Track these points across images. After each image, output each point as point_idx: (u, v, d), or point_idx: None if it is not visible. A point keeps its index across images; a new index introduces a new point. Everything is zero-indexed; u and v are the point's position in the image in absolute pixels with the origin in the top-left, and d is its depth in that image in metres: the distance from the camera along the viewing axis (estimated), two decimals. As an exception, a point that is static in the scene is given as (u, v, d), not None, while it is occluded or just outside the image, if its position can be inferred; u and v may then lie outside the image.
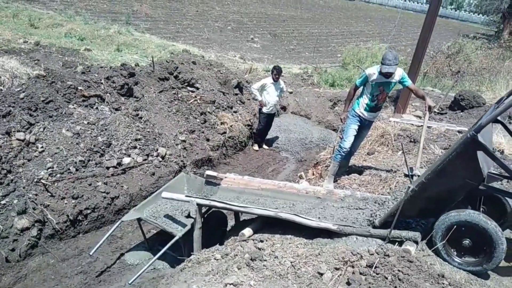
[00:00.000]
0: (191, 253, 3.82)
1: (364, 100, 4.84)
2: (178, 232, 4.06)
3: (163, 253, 4.02)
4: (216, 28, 16.98)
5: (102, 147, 5.47)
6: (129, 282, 3.94)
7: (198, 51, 11.43)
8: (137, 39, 10.84)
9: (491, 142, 3.47)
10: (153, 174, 5.77)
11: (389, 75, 4.51)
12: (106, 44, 9.52)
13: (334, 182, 5.22)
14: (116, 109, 6.14)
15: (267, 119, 7.73)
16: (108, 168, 5.36)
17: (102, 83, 6.29)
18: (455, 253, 3.03)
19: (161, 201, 4.51)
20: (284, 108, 9.83)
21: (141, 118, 6.34)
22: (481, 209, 3.38)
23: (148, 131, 6.24)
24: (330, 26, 23.23)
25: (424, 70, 11.86)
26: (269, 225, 3.80)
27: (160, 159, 6.01)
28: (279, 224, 3.68)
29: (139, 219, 4.45)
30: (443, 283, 2.52)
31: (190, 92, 7.67)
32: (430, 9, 7.48)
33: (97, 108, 5.93)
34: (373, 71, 4.65)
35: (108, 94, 6.22)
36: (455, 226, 2.91)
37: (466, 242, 2.95)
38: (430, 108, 4.44)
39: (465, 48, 14.00)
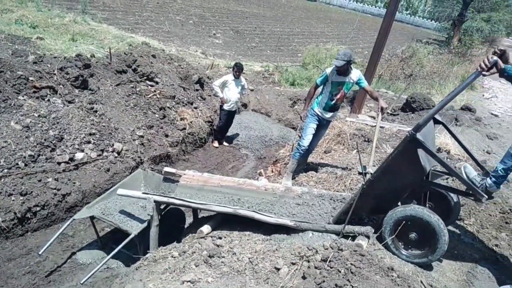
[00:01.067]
0: (147, 251, 3.76)
1: (324, 99, 4.98)
2: (134, 230, 3.97)
3: (118, 252, 3.90)
4: (177, 22, 16.65)
5: (53, 141, 5.21)
6: (81, 282, 3.80)
7: (158, 44, 11.17)
8: (94, 29, 10.40)
9: (433, 141, 3.70)
10: (108, 170, 5.58)
11: (337, 69, 4.68)
12: (60, 33, 9.05)
13: (292, 179, 5.33)
14: (70, 102, 5.87)
15: (228, 116, 7.72)
16: (59, 163, 5.12)
17: (55, 74, 5.98)
18: (402, 246, 3.22)
19: (116, 198, 4.38)
20: (245, 106, 9.86)
21: (96, 111, 6.10)
22: (428, 204, 3.62)
23: (104, 126, 6.02)
24: (292, 25, 23.54)
25: (379, 73, 12.35)
26: (228, 222, 3.82)
27: (116, 155, 5.82)
28: (238, 221, 3.70)
29: (92, 217, 4.30)
30: (393, 276, 2.67)
31: (149, 86, 7.48)
32: (387, 14, 7.80)
33: (49, 100, 5.63)
34: (332, 71, 4.81)
35: (61, 86, 5.93)
36: (402, 221, 3.09)
37: (413, 235, 3.14)
38: (382, 109, 4.66)
39: (418, 52, 14.76)
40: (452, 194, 3.62)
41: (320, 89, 5.09)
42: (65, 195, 4.93)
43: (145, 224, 4.00)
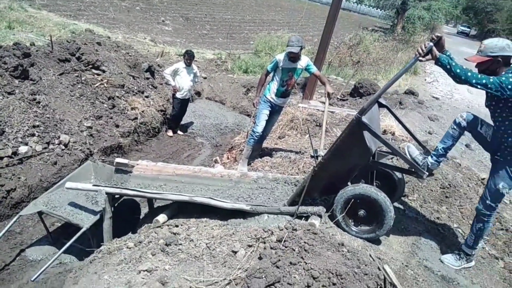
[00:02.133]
0: (101, 244, 3.66)
1: (275, 86, 5.05)
2: (85, 223, 3.84)
3: (70, 246, 3.77)
4: (123, 8, 15.96)
5: (-8, 135, 4.86)
6: (32, 279, 3.63)
7: (104, 31, 10.69)
8: (32, 16, 9.72)
9: (378, 124, 3.91)
10: (55, 163, 5.30)
11: (292, 55, 4.79)
12: (-5, 21, 8.37)
13: (248, 165, 5.39)
14: (9, 93, 5.48)
15: (181, 105, 7.60)
16: (1, 158, 4.79)
17: (-10, 64, 5.54)
18: (352, 223, 3.40)
19: (65, 192, 4.19)
20: (198, 94, 9.75)
21: (39, 103, 5.75)
22: (375, 183, 3.83)
23: (48, 117, 5.70)
24: (243, 13, 23.43)
25: (329, 60, 12.71)
26: (184, 210, 3.80)
27: (63, 147, 5.54)
28: (195, 209, 3.70)
29: (40, 213, 4.09)
30: (343, 251, 2.81)
31: (96, 75, 7.15)
32: (333, 2, 8.00)
33: (-16, 91, 5.23)
34: (282, 57, 4.91)
35: (-2, 76, 5.52)
36: (352, 199, 3.26)
37: (361, 212, 3.32)
38: (329, 94, 4.84)
39: (365, 40, 15.36)
40: (396, 173, 3.85)
41: (271, 76, 5.16)
42: (9, 191, 4.63)
43: (98, 217, 3.88)
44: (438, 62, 2.93)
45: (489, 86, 2.82)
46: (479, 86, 2.84)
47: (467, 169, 5.71)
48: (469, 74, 2.85)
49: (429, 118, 8.50)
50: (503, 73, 2.93)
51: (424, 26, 26.44)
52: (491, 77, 2.87)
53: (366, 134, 3.06)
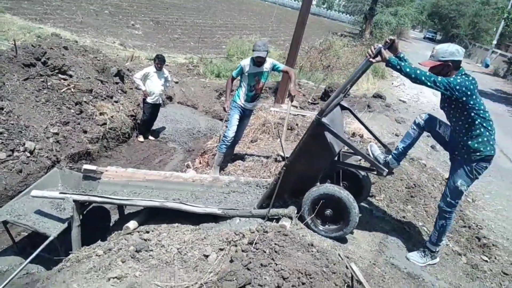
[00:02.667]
0: (70, 252, 3.57)
1: (243, 91, 5.11)
2: (52, 232, 3.73)
3: (37, 256, 3.66)
4: (91, 11, 15.62)
5: (-50, 144, 4.64)
6: None
7: (71, 35, 10.43)
8: (-6, 19, 9.37)
9: (341, 125, 4.04)
10: (21, 171, 5.12)
11: (259, 60, 4.85)
12: (-48, 23, 8.00)
13: (220, 171, 5.39)
14: (-32, 99, 5.26)
15: (152, 109, 7.51)
16: (-40, 167, 4.59)
17: None
18: (320, 223, 3.48)
19: (31, 200, 4.06)
20: (170, 98, 9.66)
21: (2, 109, 5.54)
22: (342, 184, 3.94)
23: (12, 124, 5.50)
24: (214, 17, 23.45)
25: (300, 64, 12.92)
26: (155, 216, 3.77)
27: (28, 154, 5.36)
28: (166, 214, 3.68)
29: (5, 222, 3.95)
30: (312, 251, 2.88)
31: (62, 80, 6.96)
32: (302, 8, 8.17)
33: None
34: (247, 62, 4.98)
35: (-45, 81, 5.28)
36: (319, 200, 3.34)
37: (328, 212, 3.41)
38: (290, 95, 4.90)
39: (335, 44, 15.70)
40: (362, 173, 3.98)
41: (239, 82, 5.20)
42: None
43: (65, 225, 3.78)
44: (388, 63, 3.08)
45: (438, 84, 3.00)
46: (428, 83, 3.00)
47: (432, 169, 5.95)
48: (418, 72, 3.02)
49: (396, 120, 8.79)
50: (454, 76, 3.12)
51: (391, 31, 27.35)
52: (440, 77, 3.05)
53: (328, 134, 3.16)
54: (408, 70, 3.03)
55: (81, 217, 3.84)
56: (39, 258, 3.82)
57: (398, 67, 3.05)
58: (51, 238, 3.67)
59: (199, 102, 9.97)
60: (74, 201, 3.66)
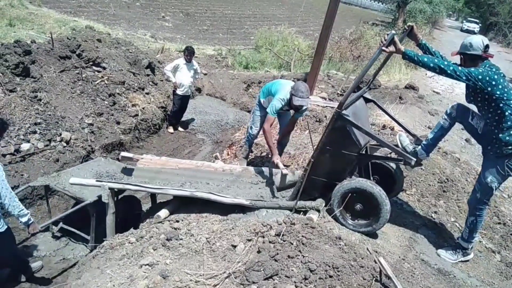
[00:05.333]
0: (104, 239, 3.73)
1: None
2: (88, 198, 4.01)
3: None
4: (123, 4, 15.97)
5: (-5, 133, 4.92)
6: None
7: (104, 28, 10.71)
8: (33, 13, 9.75)
9: (366, 118, 3.94)
10: (57, 160, 5.37)
11: (300, 107, 4.22)
12: (-4, 19, 8.41)
13: (248, 164, 5.40)
14: (11, 91, 5.54)
15: (182, 101, 7.64)
16: (4, 155, 4.85)
17: (-8, 62, 5.60)
18: (349, 217, 3.44)
19: (73, 174, 4.36)
20: (199, 90, 9.78)
21: (40, 100, 5.80)
22: (373, 178, 3.87)
23: (49, 114, 5.76)
24: (243, 7, 23.38)
25: (329, 55, 12.69)
26: (185, 205, 3.86)
27: (65, 144, 5.60)
28: (196, 203, 3.76)
29: (46, 186, 4.30)
30: (340, 244, 2.87)
31: (96, 72, 7.20)
32: (333, -4, 7.96)
33: (-14, 89, 5.30)
34: (281, 103, 4.23)
35: (0, 74, 5.57)
36: (349, 194, 3.30)
37: (358, 206, 3.37)
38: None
39: (366, 34, 15.27)
40: (394, 167, 3.89)
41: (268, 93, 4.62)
42: (12, 188, 4.69)
43: (96, 198, 3.98)
44: (405, 56, 2.97)
45: (458, 73, 2.90)
46: (448, 72, 2.90)
47: (466, 163, 5.74)
48: (436, 61, 2.92)
49: (429, 113, 8.51)
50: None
51: (426, 19, 26.32)
52: (460, 66, 2.94)
53: (350, 127, 3.11)
54: (425, 60, 2.93)
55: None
56: (75, 237, 4.13)
57: (415, 58, 2.95)
58: (86, 202, 3.94)
59: (227, 93, 10.04)
60: (110, 188, 3.80)
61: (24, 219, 3.31)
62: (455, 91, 12.19)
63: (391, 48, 2.97)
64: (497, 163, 3.15)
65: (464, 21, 45.76)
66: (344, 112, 3.08)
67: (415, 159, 3.27)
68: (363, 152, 3.62)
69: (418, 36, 3.23)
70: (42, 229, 3.77)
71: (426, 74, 14.05)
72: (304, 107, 4.25)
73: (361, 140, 3.23)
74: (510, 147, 3.06)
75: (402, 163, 3.50)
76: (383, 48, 2.98)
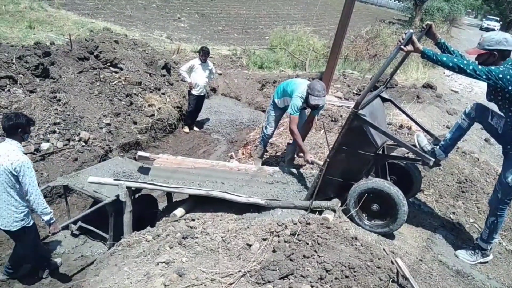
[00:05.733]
0: (121, 237, 3.79)
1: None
2: (106, 198, 4.07)
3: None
4: (139, 5, 16.17)
5: (16, 133, 5.05)
6: None
7: (121, 29, 10.86)
8: (52, 16, 9.96)
9: (383, 118, 3.89)
10: (76, 159, 5.48)
11: (317, 107, 4.24)
12: (16, 21, 8.60)
13: (263, 163, 5.40)
14: (31, 91, 5.68)
15: (197, 101, 7.70)
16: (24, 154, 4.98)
17: (13, 64, 5.75)
18: (366, 217, 3.41)
19: (88, 172, 4.47)
20: (214, 90, 9.83)
21: (59, 100, 5.94)
22: (390, 179, 3.82)
23: (68, 114, 5.88)
24: (258, 8, 23.37)
25: (345, 54, 12.58)
26: (201, 204, 3.89)
27: (83, 144, 5.72)
28: (211, 202, 3.79)
29: (66, 186, 4.40)
30: (356, 244, 2.85)
31: (114, 73, 7.32)
32: (348, -5, 7.89)
33: (9, 90, 5.44)
34: (301, 101, 4.29)
35: (21, 75, 5.72)
36: (365, 194, 3.27)
37: (375, 207, 3.32)
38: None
39: (382, 33, 15.08)
40: (412, 167, 3.83)
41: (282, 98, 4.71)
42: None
43: (115, 198, 4.06)
44: (424, 55, 2.91)
45: (478, 72, 2.81)
46: (468, 71, 2.82)
47: (485, 163, 5.60)
48: (455, 60, 2.84)
49: (448, 112, 8.35)
50: None
51: (443, 18, 25.83)
52: (480, 65, 2.86)
53: (367, 127, 3.08)
54: (444, 59, 2.86)
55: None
56: (93, 235, 4.20)
57: (434, 57, 2.88)
58: (105, 201, 4.01)
59: (242, 93, 10.06)
60: (127, 187, 3.86)
61: (46, 218, 3.38)
62: (474, 90, 11.93)
63: (409, 47, 2.93)
64: None
65: (484, 19, 44.72)
66: (360, 112, 3.05)
67: (433, 160, 3.21)
68: (380, 152, 3.58)
69: (437, 35, 3.18)
70: (63, 229, 3.85)
71: (444, 73, 13.78)
72: (320, 105, 4.25)
73: (377, 140, 3.19)
74: None
75: (420, 163, 3.44)
76: (401, 47, 2.93)
